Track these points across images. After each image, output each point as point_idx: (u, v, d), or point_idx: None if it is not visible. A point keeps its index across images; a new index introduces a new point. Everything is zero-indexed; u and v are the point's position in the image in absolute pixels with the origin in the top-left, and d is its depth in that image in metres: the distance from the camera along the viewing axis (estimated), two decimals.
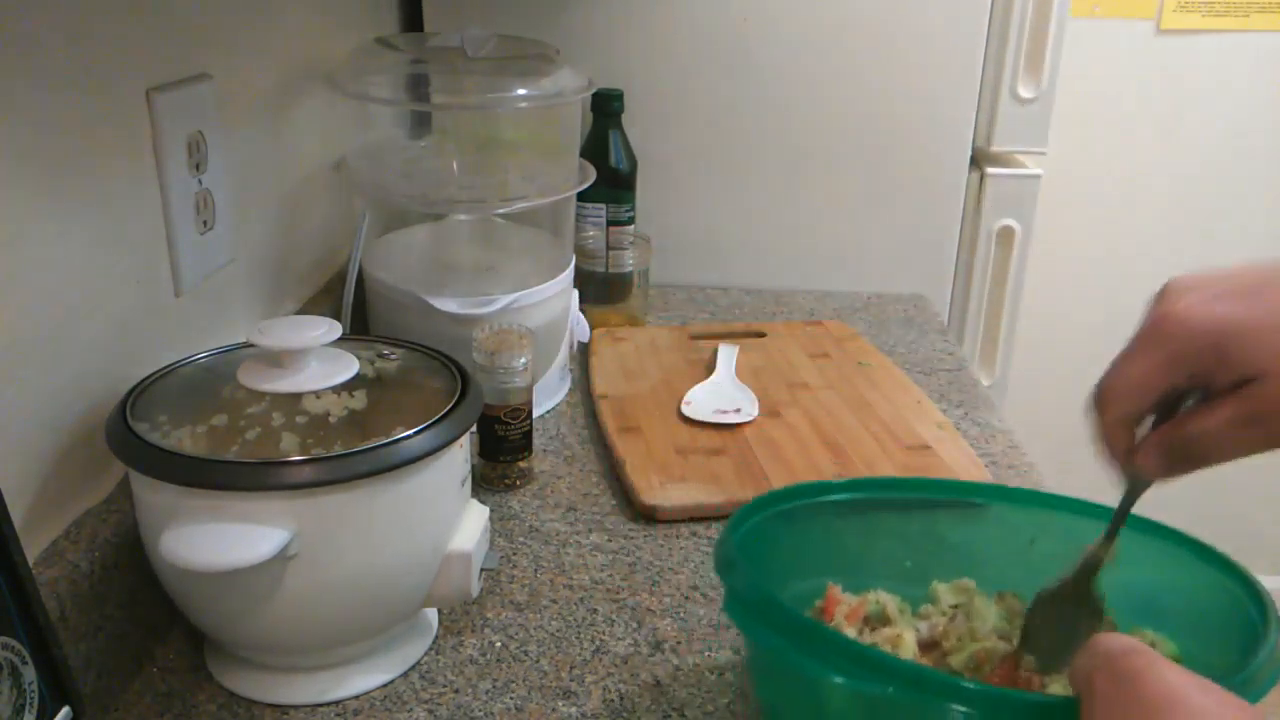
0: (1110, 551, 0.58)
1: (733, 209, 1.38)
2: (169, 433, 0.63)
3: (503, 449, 0.92)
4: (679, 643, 0.74)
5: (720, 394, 1.06)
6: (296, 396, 0.66)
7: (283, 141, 1.00)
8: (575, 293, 1.10)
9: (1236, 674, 0.48)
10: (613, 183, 1.19)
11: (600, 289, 1.23)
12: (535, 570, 0.82)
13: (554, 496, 0.92)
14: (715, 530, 0.87)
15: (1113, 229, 2.10)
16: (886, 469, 0.93)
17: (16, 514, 0.57)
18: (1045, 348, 1.94)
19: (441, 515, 0.69)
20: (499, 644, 0.74)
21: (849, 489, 0.73)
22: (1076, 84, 1.87)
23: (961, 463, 0.95)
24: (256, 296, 0.95)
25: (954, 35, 1.29)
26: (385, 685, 0.69)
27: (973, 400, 1.12)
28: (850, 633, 0.63)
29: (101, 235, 0.70)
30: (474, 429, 0.84)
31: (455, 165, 1.10)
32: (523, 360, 0.90)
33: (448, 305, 0.96)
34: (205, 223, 0.82)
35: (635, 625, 0.76)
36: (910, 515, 0.73)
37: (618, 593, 0.79)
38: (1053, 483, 0.89)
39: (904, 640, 0.62)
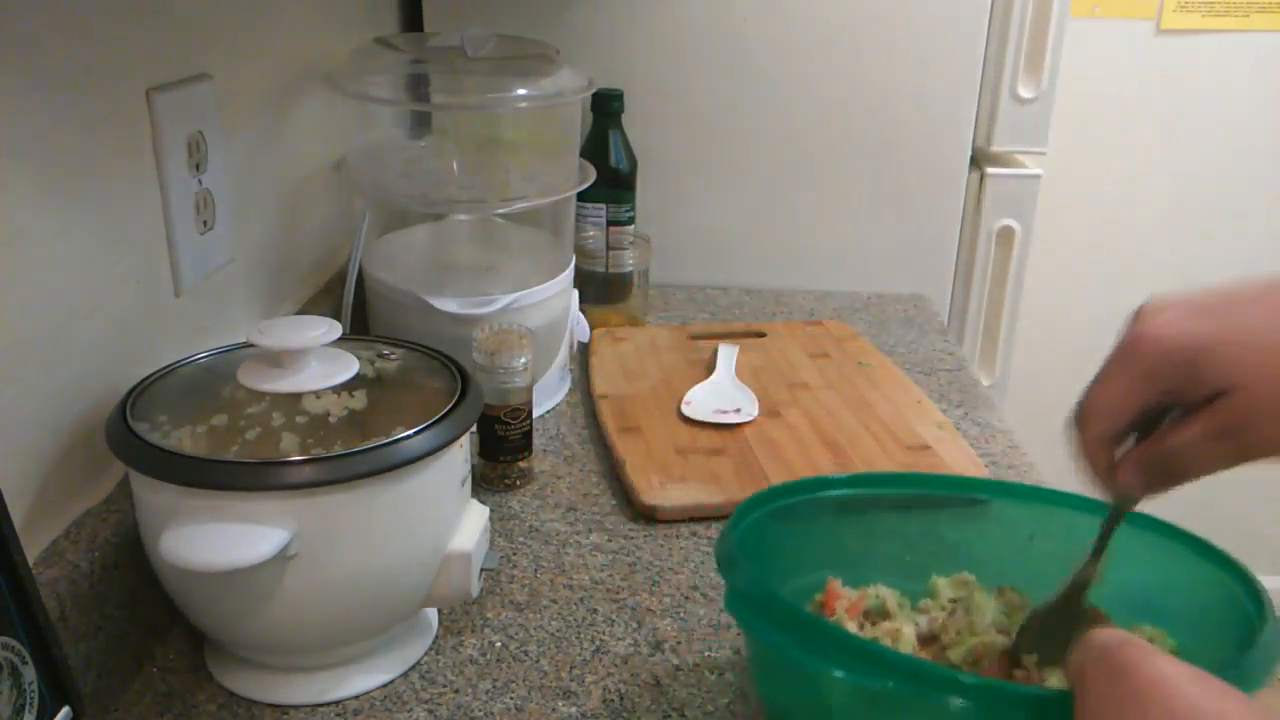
0: (1098, 571, 0.59)
1: (733, 209, 1.38)
2: (169, 433, 0.63)
3: (503, 449, 0.92)
4: (679, 643, 0.74)
5: (720, 394, 1.06)
6: (296, 396, 0.66)
7: (283, 141, 1.00)
8: (575, 293, 1.10)
9: (1231, 667, 0.48)
10: (613, 183, 1.19)
11: (600, 289, 1.23)
12: (535, 570, 0.82)
13: (554, 496, 0.92)
14: (715, 530, 0.87)
15: (1113, 229, 2.10)
16: (886, 469, 0.93)
17: (16, 514, 0.57)
18: (1045, 348, 1.94)
19: (441, 515, 0.69)
20: (499, 644, 0.74)
21: (849, 484, 0.73)
22: (1076, 84, 1.87)
23: (961, 463, 0.95)
24: (256, 296, 0.95)
25: (954, 35, 1.29)
26: (385, 685, 0.69)
27: (973, 400, 1.12)
28: (851, 627, 0.64)
29: (101, 235, 0.70)
30: (474, 429, 0.84)
31: (455, 165, 1.10)
32: (523, 360, 0.90)
33: (448, 305, 0.96)
34: (205, 223, 0.82)
35: (635, 625, 0.76)
36: (910, 515, 0.73)
37: (618, 593, 0.79)
38: (1053, 482, 0.88)
39: (903, 634, 0.62)
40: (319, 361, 0.68)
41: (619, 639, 0.74)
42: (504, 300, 0.97)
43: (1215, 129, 2.02)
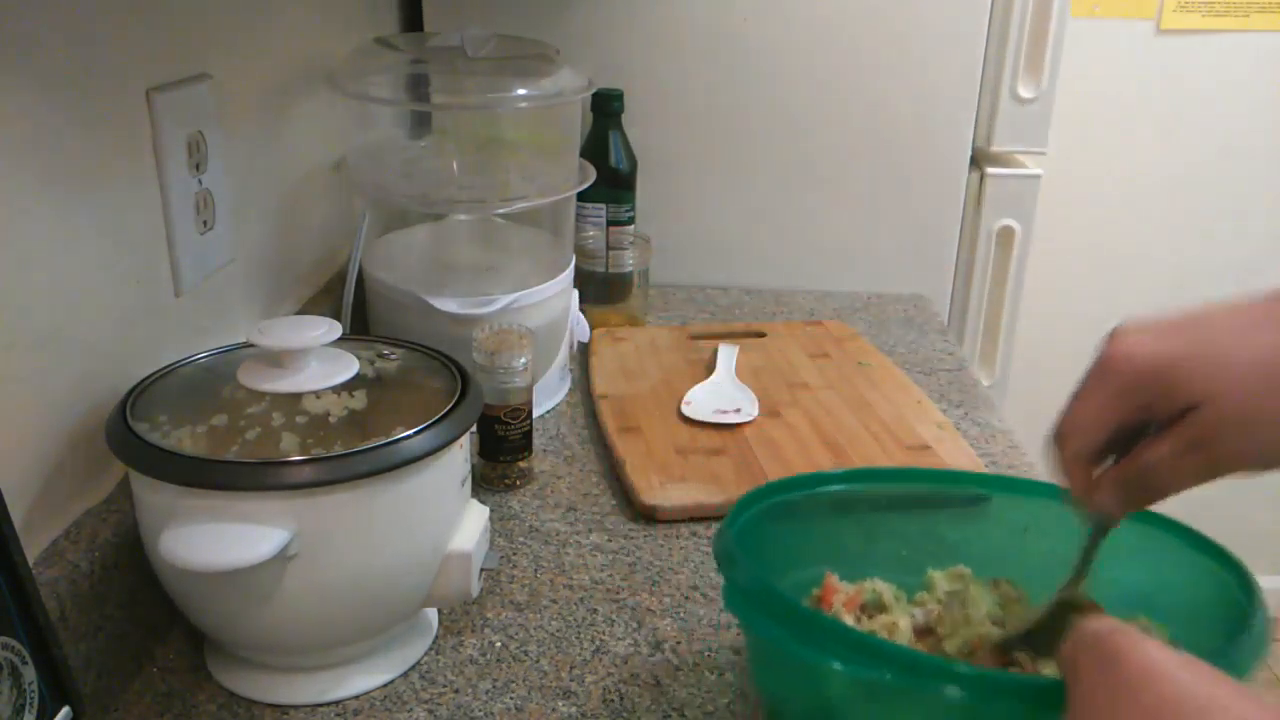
0: (1080, 593, 0.59)
1: (733, 209, 1.38)
2: (169, 433, 0.63)
3: (503, 449, 0.92)
4: (679, 643, 0.74)
5: (720, 394, 1.06)
6: (296, 396, 0.66)
7: (283, 141, 1.00)
8: (575, 293, 1.10)
9: (1221, 656, 0.49)
10: (613, 183, 1.19)
11: (600, 289, 1.23)
12: (535, 570, 0.82)
13: (554, 496, 0.92)
14: (715, 530, 0.87)
15: (1113, 229, 2.10)
16: None
17: (16, 514, 0.57)
18: (1045, 348, 1.94)
19: (441, 515, 0.69)
20: (499, 644, 0.74)
21: (845, 479, 0.73)
22: (1076, 84, 1.87)
23: (961, 463, 0.95)
24: (256, 296, 0.95)
25: (954, 35, 1.29)
26: (385, 685, 0.69)
27: (973, 400, 1.12)
28: (848, 621, 0.64)
29: (101, 235, 0.70)
30: (474, 429, 0.84)
31: (455, 165, 1.10)
32: (523, 360, 0.90)
33: (448, 305, 0.96)
34: (205, 223, 0.82)
35: (635, 625, 0.76)
36: (910, 515, 0.73)
37: (618, 593, 0.79)
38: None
39: (899, 627, 0.63)
40: (319, 361, 0.68)
41: (619, 639, 0.74)
42: (504, 300, 0.97)
43: (1215, 129, 2.02)
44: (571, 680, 0.70)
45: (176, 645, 0.72)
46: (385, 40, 1.06)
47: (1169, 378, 0.49)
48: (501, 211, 1.08)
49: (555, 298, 1.03)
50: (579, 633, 0.75)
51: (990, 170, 1.36)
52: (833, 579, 0.67)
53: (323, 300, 1.07)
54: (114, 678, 0.66)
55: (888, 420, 1.02)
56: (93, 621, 0.64)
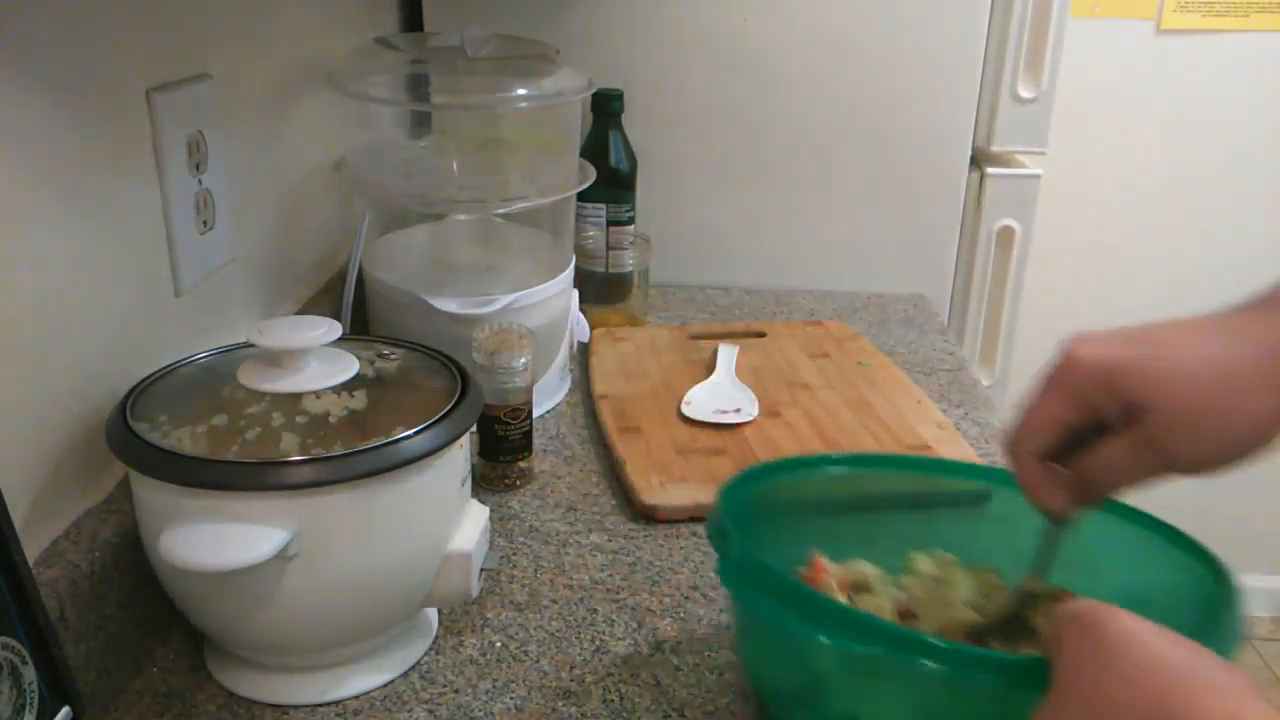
0: (1044, 582, 0.61)
1: (733, 209, 1.38)
2: (169, 433, 0.63)
3: (503, 449, 0.92)
4: (679, 643, 0.74)
5: (720, 394, 1.06)
6: (296, 396, 0.66)
7: (283, 141, 1.00)
8: (575, 293, 1.10)
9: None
10: (613, 183, 1.19)
11: (600, 289, 1.23)
12: (535, 570, 0.82)
13: (554, 496, 0.92)
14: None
15: (1113, 229, 2.10)
16: None
17: (16, 514, 0.57)
18: (1045, 348, 1.94)
19: (441, 515, 0.69)
20: (499, 644, 0.74)
21: (839, 463, 0.75)
22: (1076, 84, 1.87)
23: None
24: (256, 296, 0.95)
25: (954, 35, 1.29)
26: (385, 685, 0.69)
27: (973, 400, 1.12)
28: (842, 599, 0.65)
29: (101, 235, 0.70)
30: (474, 429, 0.84)
31: (455, 165, 1.10)
32: (523, 360, 0.90)
33: (448, 305, 0.96)
34: (205, 223, 0.82)
35: (635, 625, 0.76)
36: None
37: (618, 593, 0.79)
38: None
39: (882, 608, 0.64)
40: (319, 361, 0.68)
41: (619, 639, 0.74)
42: (504, 300, 0.97)
43: (1215, 129, 2.02)
44: (571, 680, 0.70)
45: (176, 645, 0.72)
46: (385, 40, 1.06)
47: (1117, 381, 0.52)
48: (501, 211, 1.08)
49: (555, 298, 1.03)
50: (579, 633, 0.75)
51: (990, 170, 1.36)
52: (820, 558, 0.67)
53: (323, 300, 1.07)
54: (114, 678, 0.66)
55: (888, 420, 1.02)
56: (93, 621, 0.64)
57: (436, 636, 0.74)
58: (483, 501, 0.74)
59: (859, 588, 0.66)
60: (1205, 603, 0.58)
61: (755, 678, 0.67)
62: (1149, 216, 2.09)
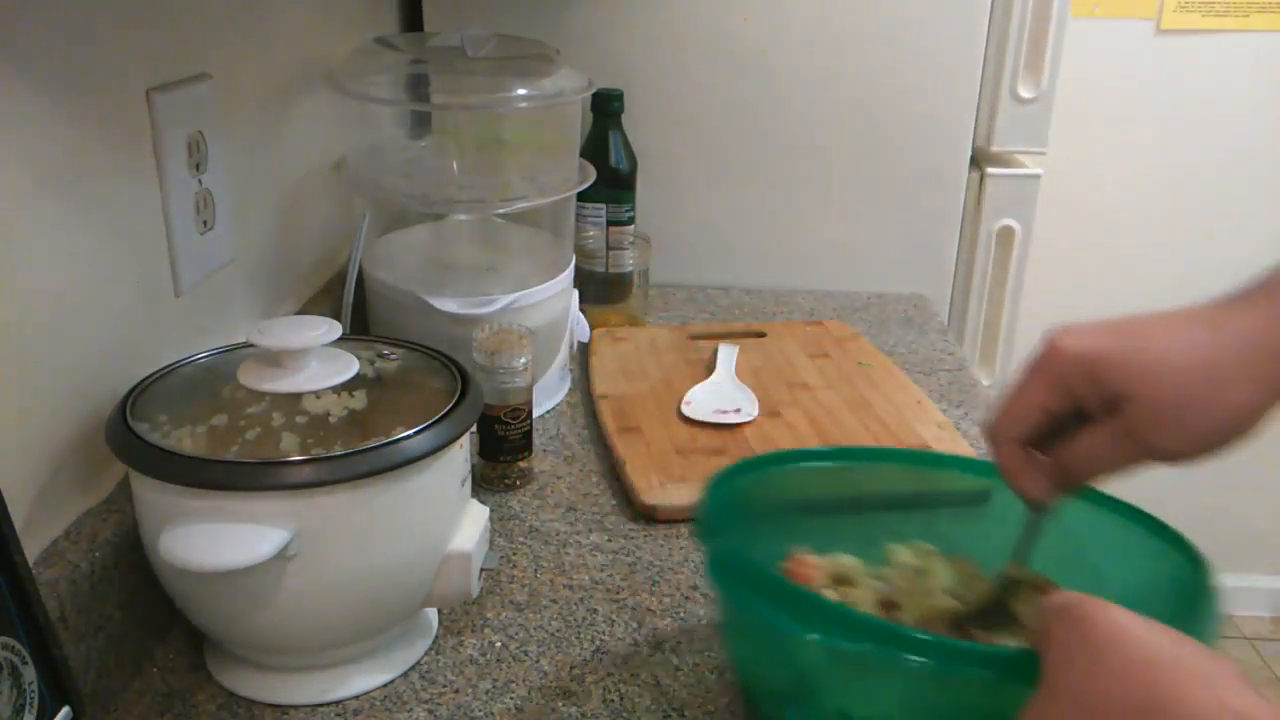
0: (1025, 569, 0.61)
1: (733, 209, 1.38)
2: (169, 433, 0.63)
3: (503, 449, 0.92)
4: (679, 643, 0.74)
5: (720, 394, 1.06)
6: (296, 396, 0.66)
7: (283, 141, 1.00)
8: (575, 293, 1.10)
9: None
10: (613, 183, 1.19)
11: (600, 289, 1.23)
12: (535, 570, 0.82)
13: (554, 496, 0.92)
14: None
15: (1113, 229, 2.10)
16: None
17: (16, 514, 0.57)
18: None
19: (441, 515, 0.69)
20: (499, 644, 0.74)
21: (815, 457, 0.75)
22: (1076, 84, 1.87)
23: None
24: (256, 296, 0.95)
25: (954, 35, 1.29)
26: (385, 685, 0.69)
27: (973, 400, 1.12)
28: (835, 598, 0.65)
29: (101, 235, 0.70)
30: (474, 429, 0.84)
31: (455, 165, 1.10)
32: (523, 360, 0.90)
33: (448, 305, 0.96)
34: (205, 223, 0.82)
35: (635, 625, 0.76)
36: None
37: (618, 593, 0.79)
38: None
39: (864, 599, 0.64)
40: (319, 361, 0.68)
41: (619, 639, 0.74)
42: (504, 300, 0.97)
43: (1215, 129, 2.03)
44: (571, 680, 0.70)
45: (176, 645, 0.72)
46: (385, 40, 1.06)
47: (1098, 370, 0.53)
48: (501, 211, 1.08)
49: (555, 298, 1.03)
50: (579, 633, 0.75)
51: (990, 170, 1.36)
52: (800, 553, 0.68)
53: (323, 300, 1.07)
54: (114, 678, 0.66)
55: (888, 420, 1.02)
56: (93, 621, 0.64)
57: (436, 636, 0.74)
58: (483, 501, 0.74)
59: (840, 580, 0.67)
60: (1182, 589, 0.59)
61: (744, 675, 0.67)
62: (1149, 216, 2.09)
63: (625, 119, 1.22)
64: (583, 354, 1.17)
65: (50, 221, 0.64)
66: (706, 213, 1.38)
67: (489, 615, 0.77)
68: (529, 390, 0.92)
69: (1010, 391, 0.58)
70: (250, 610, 0.63)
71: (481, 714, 0.67)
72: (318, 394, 0.66)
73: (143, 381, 0.68)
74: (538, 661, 0.72)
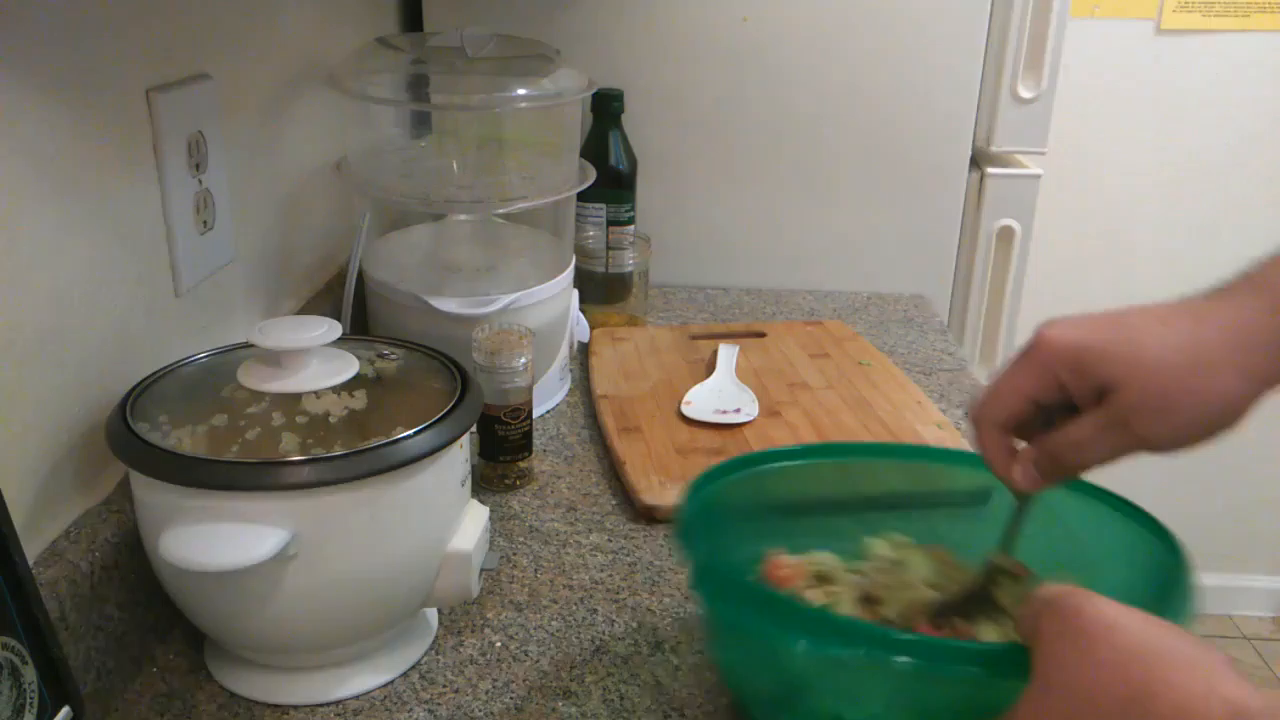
0: (1009, 561, 0.62)
1: (733, 209, 1.38)
2: (169, 433, 0.63)
3: (503, 449, 0.92)
4: (679, 643, 0.74)
5: (720, 394, 1.06)
6: (296, 396, 0.66)
7: (283, 141, 1.00)
8: (575, 293, 1.10)
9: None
10: (613, 183, 1.19)
11: (600, 289, 1.23)
12: (535, 570, 0.82)
13: (554, 496, 0.92)
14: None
15: (1112, 229, 2.10)
16: None
17: (16, 514, 0.57)
18: None
19: (441, 515, 0.69)
20: (499, 644, 0.74)
21: (791, 456, 0.75)
22: (1076, 84, 1.87)
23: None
24: (256, 296, 0.95)
25: (954, 35, 1.29)
26: (385, 685, 0.69)
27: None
28: (816, 597, 0.65)
29: (101, 235, 0.70)
30: (474, 429, 0.84)
31: (455, 165, 1.10)
32: (523, 360, 0.90)
33: (448, 305, 0.96)
34: (205, 223, 0.82)
35: (635, 625, 0.76)
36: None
37: (618, 593, 0.79)
38: None
39: (844, 597, 0.65)
40: (319, 361, 0.68)
41: (619, 639, 0.74)
42: (504, 300, 0.97)
43: (1215, 129, 2.02)
44: (571, 680, 0.70)
45: (176, 645, 0.72)
46: (386, 40, 1.06)
47: (1085, 361, 0.54)
48: (501, 211, 1.08)
49: (555, 298, 1.03)
50: (579, 633, 0.75)
51: (990, 170, 1.36)
52: (776, 554, 0.68)
53: (323, 300, 1.07)
54: (114, 678, 0.66)
55: (888, 420, 1.02)
56: (93, 621, 0.64)
57: (436, 636, 0.74)
58: (483, 501, 0.74)
59: (820, 578, 0.67)
60: (1160, 575, 0.59)
61: (733, 682, 0.67)
62: (1149, 216, 2.09)
63: (625, 119, 1.22)
64: (583, 354, 1.17)
65: (50, 221, 0.64)
66: (706, 213, 1.38)
67: (489, 615, 0.77)
68: (529, 390, 0.92)
69: (996, 379, 0.59)
70: (250, 610, 0.63)
71: (481, 714, 0.67)
72: (318, 394, 0.66)
73: (143, 381, 0.68)
74: (538, 661, 0.72)
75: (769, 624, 0.54)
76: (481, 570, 0.71)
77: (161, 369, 0.70)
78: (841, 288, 1.41)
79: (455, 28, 1.04)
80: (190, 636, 0.72)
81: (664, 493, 0.89)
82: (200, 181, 0.81)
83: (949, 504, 0.74)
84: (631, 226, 1.22)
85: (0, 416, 0.60)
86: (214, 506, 0.59)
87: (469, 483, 0.72)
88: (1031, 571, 0.62)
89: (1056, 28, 1.30)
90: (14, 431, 0.62)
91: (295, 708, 0.67)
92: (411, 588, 0.68)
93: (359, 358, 0.70)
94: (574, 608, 0.78)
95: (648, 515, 0.89)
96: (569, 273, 1.06)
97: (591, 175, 1.06)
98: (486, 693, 0.69)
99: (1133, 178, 2.07)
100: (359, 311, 1.04)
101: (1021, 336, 1.44)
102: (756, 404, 1.03)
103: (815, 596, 0.65)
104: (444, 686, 0.70)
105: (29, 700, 0.54)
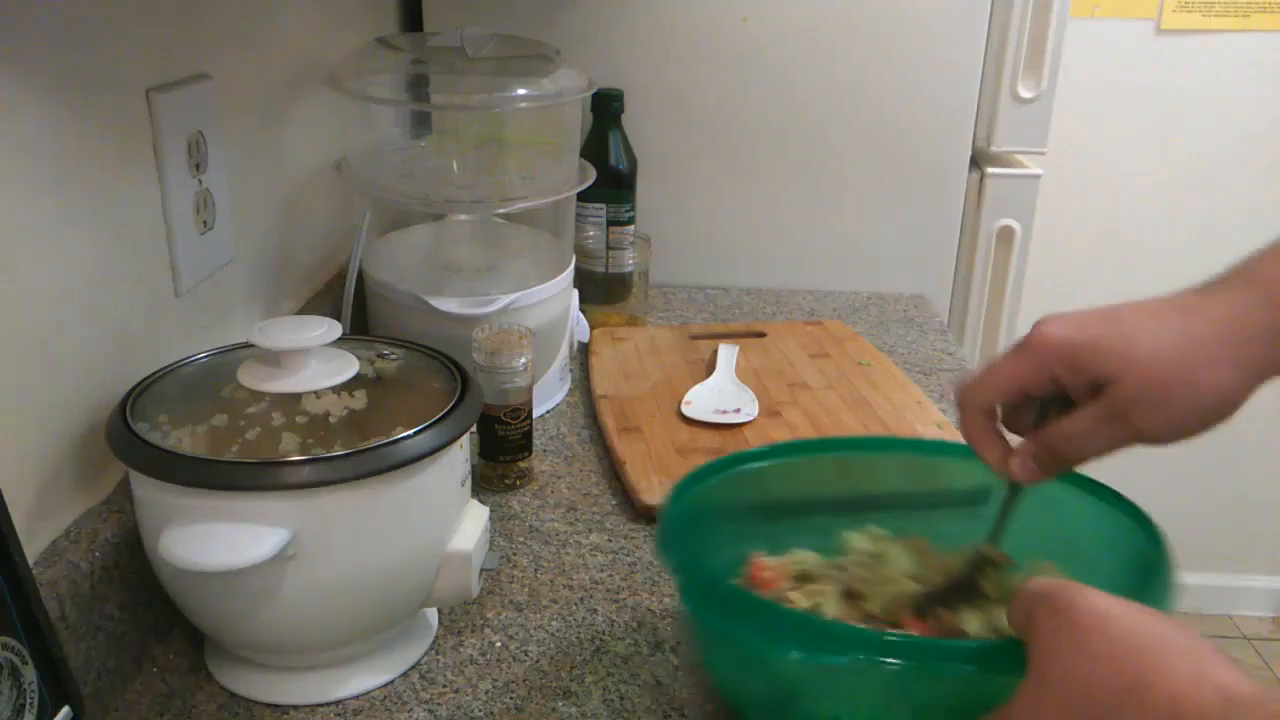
0: (996, 552, 0.63)
1: (733, 209, 1.38)
2: (169, 433, 0.63)
3: (503, 449, 0.92)
4: (679, 643, 0.74)
5: (720, 394, 1.06)
6: (296, 396, 0.66)
7: (283, 141, 1.00)
8: (575, 293, 1.10)
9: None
10: (613, 183, 1.19)
11: (600, 289, 1.23)
12: (535, 570, 0.82)
13: (554, 496, 0.92)
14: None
15: (1112, 229, 2.10)
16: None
17: (16, 514, 0.57)
18: None
19: (441, 515, 0.69)
20: (499, 644, 0.74)
21: (766, 455, 0.75)
22: (1076, 84, 1.87)
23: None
24: (256, 296, 0.95)
25: (954, 35, 1.29)
26: (385, 685, 0.69)
27: None
28: (800, 597, 0.65)
29: (101, 235, 0.70)
30: (474, 429, 0.84)
31: (455, 165, 1.10)
32: (523, 360, 0.90)
33: (448, 305, 0.96)
34: (205, 223, 0.82)
35: (635, 625, 0.76)
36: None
37: (618, 593, 0.79)
38: None
39: (827, 594, 0.65)
40: (319, 361, 0.68)
41: (619, 639, 0.74)
42: (504, 300, 0.97)
43: (1215, 129, 2.02)
44: (571, 680, 0.70)
45: (176, 645, 0.72)
46: (386, 40, 1.06)
47: (1082, 357, 0.55)
48: (501, 211, 1.08)
49: (555, 298, 1.03)
50: (579, 633, 0.75)
51: (990, 170, 1.36)
52: (759, 557, 0.68)
53: (323, 300, 1.07)
54: (114, 678, 0.66)
55: (887, 420, 1.02)
56: (93, 621, 0.64)
57: (436, 636, 0.74)
58: (483, 501, 0.74)
59: (802, 578, 0.67)
60: (1141, 563, 0.60)
61: (725, 690, 0.67)
62: (1149, 216, 2.09)
63: (625, 119, 1.22)
64: (583, 354, 1.17)
65: (50, 221, 0.64)
66: (706, 213, 1.38)
67: (489, 615, 0.77)
68: (529, 390, 0.92)
69: (989, 365, 0.60)
70: (250, 610, 0.63)
71: (481, 714, 0.67)
72: (318, 394, 0.66)
73: (143, 381, 0.68)
74: (538, 661, 0.72)
75: (760, 635, 0.54)
76: (481, 570, 0.71)
77: (161, 369, 0.70)
78: (841, 288, 1.41)
79: (455, 28, 1.04)
80: (190, 636, 0.72)
81: (664, 493, 0.89)
82: (200, 181, 0.81)
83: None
84: (631, 226, 1.22)
85: (0, 416, 0.60)
86: (214, 506, 0.59)
87: (469, 483, 0.72)
88: (1012, 560, 0.63)
89: (1056, 28, 1.30)
90: (14, 431, 0.62)
91: (295, 708, 0.67)
92: (411, 588, 0.68)
93: (359, 358, 0.70)
94: (574, 608, 0.78)
95: (648, 515, 0.89)
96: (569, 273, 1.06)
97: (591, 175, 1.06)
98: (486, 693, 0.69)
99: (1133, 178, 2.07)
100: (359, 311, 1.04)
101: (1021, 336, 1.45)
102: (756, 404, 1.03)
103: (799, 597, 0.65)
104: (444, 686, 0.70)
105: (29, 700, 0.55)
